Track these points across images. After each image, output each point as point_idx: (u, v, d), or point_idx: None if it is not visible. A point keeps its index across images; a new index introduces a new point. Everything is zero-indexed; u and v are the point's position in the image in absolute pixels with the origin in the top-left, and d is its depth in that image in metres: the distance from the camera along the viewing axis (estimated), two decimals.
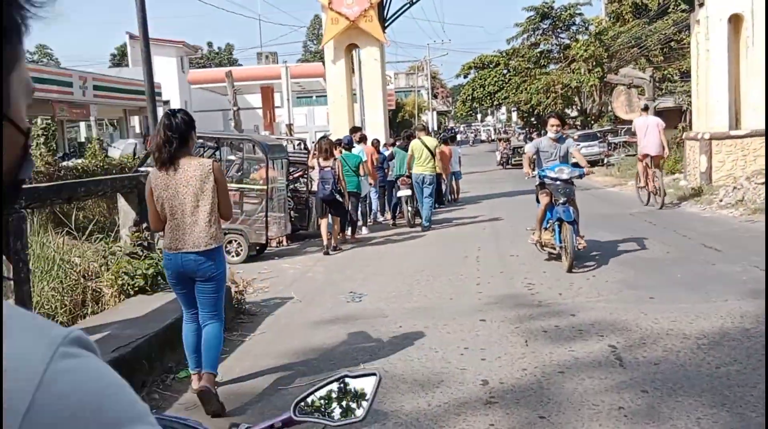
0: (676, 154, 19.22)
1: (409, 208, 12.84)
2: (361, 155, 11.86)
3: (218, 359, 4.51)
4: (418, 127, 13.47)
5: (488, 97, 43.52)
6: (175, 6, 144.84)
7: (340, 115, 17.29)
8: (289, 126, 23.53)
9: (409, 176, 12.45)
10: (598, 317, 5.83)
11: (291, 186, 12.16)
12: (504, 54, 41.85)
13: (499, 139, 40.81)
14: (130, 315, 5.46)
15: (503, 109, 66.97)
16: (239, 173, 10.88)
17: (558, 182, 8.04)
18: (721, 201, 12.62)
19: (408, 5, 18.23)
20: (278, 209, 10.47)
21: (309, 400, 1.39)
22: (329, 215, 10.58)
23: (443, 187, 16.37)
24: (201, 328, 4.56)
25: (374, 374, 1.41)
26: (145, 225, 6.20)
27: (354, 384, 1.41)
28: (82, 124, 32.04)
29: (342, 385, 1.40)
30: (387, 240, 11.66)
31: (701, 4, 14.80)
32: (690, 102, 18.70)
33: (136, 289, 6.15)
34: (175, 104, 39.47)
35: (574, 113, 38.33)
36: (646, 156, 13.16)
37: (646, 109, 14.62)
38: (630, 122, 18.82)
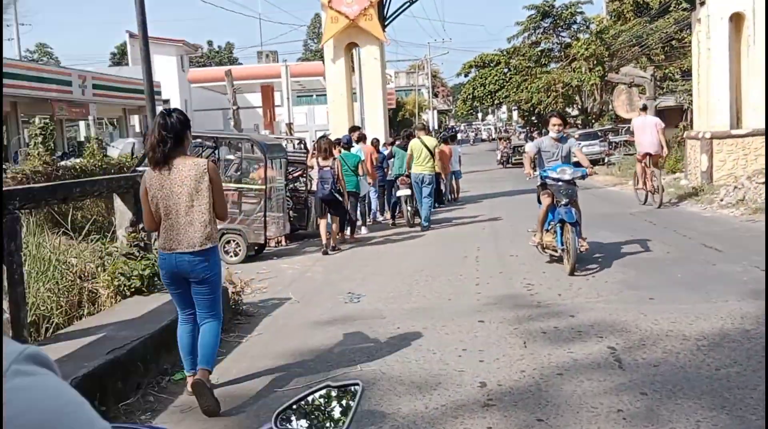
0: (677, 153, 19.19)
1: (409, 208, 12.80)
2: (359, 155, 11.82)
3: (214, 357, 4.49)
4: (417, 127, 13.42)
5: (489, 96, 43.50)
6: (175, 9, 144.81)
7: (339, 114, 17.24)
8: (289, 125, 23.49)
9: (409, 176, 12.41)
10: (598, 318, 5.79)
11: (290, 185, 12.12)
12: (505, 53, 41.84)
13: (500, 138, 40.79)
14: (126, 316, 5.42)
15: (504, 108, 66.89)
16: (238, 173, 10.84)
17: (560, 183, 7.88)
18: (722, 200, 12.57)
19: (408, 4, 18.19)
20: (277, 209, 10.44)
21: (291, 410, 1.35)
22: (328, 215, 10.54)
23: (442, 187, 16.32)
24: (196, 330, 4.54)
25: (357, 384, 1.37)
26: (141, 225, 6.16)
27: (337, 393, 1.37)
28: (82, 124, 32.04)
29: (325, 394, 1.36)
30: (386, 240, 11.62)
31: (702, 3, 14.75)
32: (691, 101, 18.66)
33: (133, 290, 6.11)
34: (175, 103, 39.48)
35: (575, 112, 38.31)
36: (645, 156, 13.13)
37: (644, 108, 14.58)
38: (631, 121, 18.76)
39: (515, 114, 63.49)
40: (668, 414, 3.81)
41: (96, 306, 6.21)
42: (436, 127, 56.79)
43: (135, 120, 36.41)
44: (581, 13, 37.72)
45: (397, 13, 18.15)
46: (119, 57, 60.90)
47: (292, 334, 5.97)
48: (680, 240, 9.48)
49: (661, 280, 7.12)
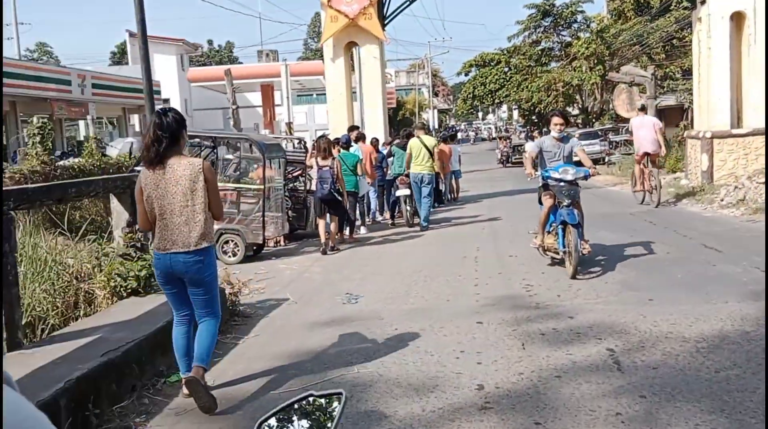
0: (677, 152, 19.15)
1: (408, 208, 12.76)
2: (357, 154, 11.79)
3: (210, 354, 4.47)
4: (417, 126, 13.38)
5: (489, 95, 43.42)
6: (175, 8, 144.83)
7: (339, 113, 17.21)
8: (289, 124, 23.46)
9: (408, 175, 12.37)
10: (597, 319, 5.75)
11: (290, 185, 12.09)
12: (505, 52, 41.77)
13: (500, 138, 40.73)
14: (122, 317, 5.39)
15: (504, 107, 66.79)
16: (237, 173, 10.81)
17: (562, 183, 7.67)
18: (722, 200, 12.53)
19: (407, 3, 18.14)
20: (275, 209, 10.41)
21: (273, 420, 1.31)
22: (327, 215, 10.50)
23: (441, 187, 16.26)
24: (191, 331, 4.53)
25: (340, 393, 1.33)
26: (138, 226, 6.12)
27: (320, 403, 1.33)
28: (82, 123, 32.01)
29: (307, 404, 1.33)
30: (385, 240, 11.58)
31: (703, 2, 14.71)
32: (692, 100, 18.63)
33: (129, 290, 6.07)
34: (175, 102, 39.45)
35: (576, 111, 38.25)
36: (643, 156, 13.18)
37: (643, 108, 14.64)
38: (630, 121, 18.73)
39: (516, 113, 63.42)
40: (667, 417, 3.78)
41: (92, 307, 6.17)
42: (437, 127, 56.74)
43: (135, 119, 36.37)
44: (582, 12, 37.70)
45: (396, 12, 18.13)
46: (119, 56, 60.87)
47: (289, 336, 5.93)
48: (680, 240, 9.44)
49: (660, 280, 7.08)
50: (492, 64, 42.93)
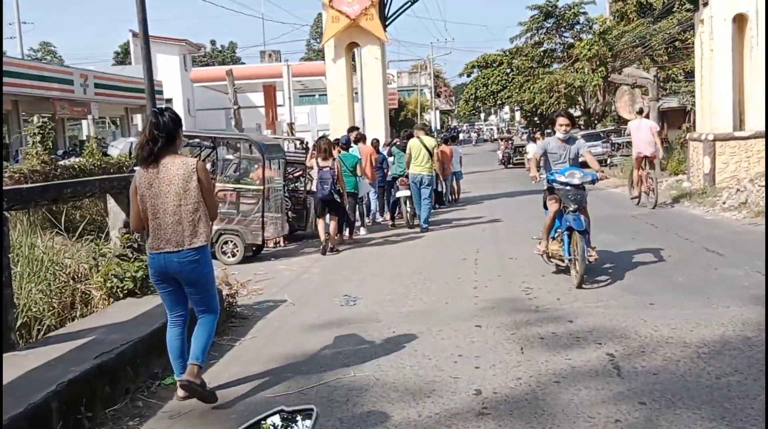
0: (679, 154, 19.08)
1: (408, 209, 12.72)
2: (357, 155, 11.75)
3: (205, 352, 4.45)
4: (417, 126, 13.33)
5: (491, 97, 43.40)
6: (178, 8, 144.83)
7: (340, 114, 17.16)
8: (291, 125, 23.43)
9: (408, 176, 12.33)
10: (597, 324, 5.69)
11: (291, 186, 12.06)
12: (507, 53, 41.70)
13: (501, 139, 40.74)
14: (118, 319, 5.34)
15: (507, 108, 66.74)
16: (236, 173, 10.77)
17: (568, 187, 7.26)
18: (724, 203, 12.47)
19: (409, 4, 18.10)
20: (275, 209, 10.37)
21: None
22: (327, 215, 10.48)
23: (440, 187, 16.18)
24: (185, 333, 4.53)
25: (311, 409, 1.28)
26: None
27: (292, 418, 1.28)
28: (84, 122, 32.02)
29: (279, 419, 1.28)
30: (385, 241, 11.53)
31: (705, 4, 14.64)
32: (694, 102, 18.56)
33: (126, 291, 6.03)
34: (178, 102, 39.46)
35: (578, 113, 38.15)
36: (642, 159, 13.42)
37: (640, 112, 14.81)
38: None
39: (518, 114, 63.36)
40: (667, 425, 3.72)
41: (89, 307, 6.13)
42: (439, 128, 56.70)
43: (137, 119, 36.38)
44: (584, 13, 37.58)
45: (398, 13, 18.08)
46: (122, 56, 60.94)
47: (286, 338, 5.88)
48: (682, 243, 9.37)
49: (661, 284, 7.02)
50: (494, 65, 42.89)
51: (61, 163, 13.80)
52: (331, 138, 12.08)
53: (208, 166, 11.36)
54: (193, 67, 45.38)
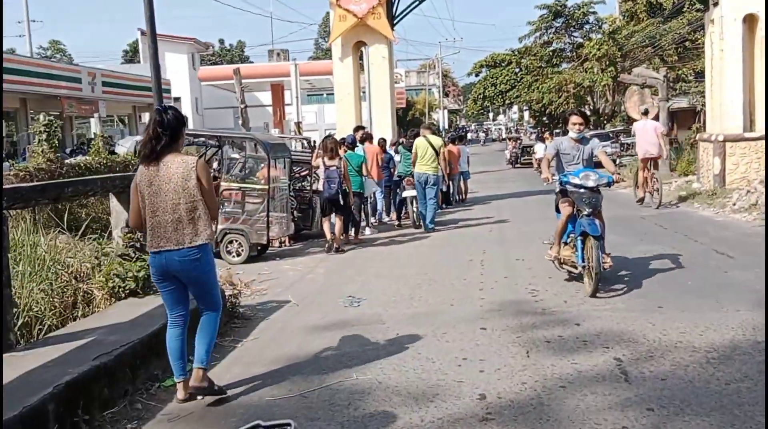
0: (689, 155, 18.93)
1: (414, 209, 12.64)
2: (362, 154, 11.69)
3: (209, 352, 4.45)
4: (424, 126, 13.24)
5: (500, 96, 43.26)
6: (187, 8, 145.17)
7: (347, 113, 17.11)
8: (298, 124, 23.39)
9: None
10: (604, 327, 5.60)
11: (298, 185, 12.01)
12: (516, 52, 41.53)
13: (509, 139, 40.62)
14: (118, 319, 5.29)
15: (515, 108, 66.56)
16: (242, 172, 10.72)
17: (582, 190, 6.90)
18: (734, 205, 12.33)
19: (416, 3, 18.00)
20: (280, 209, 10.31)
21: None
22: (333, 215, 10.43)
23: (444, 187, 16.05)
24: (185, 334, 4.50)
25: (289, 424, 1.22)
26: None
27: None
28: (92, 121, 32.10)
29: None
30: (391, 241, 11.46)
31: (716, 4, 14.50)
32: (704, 103, 18.40)
33: (128, 291, 5.98)
34: (186, 101, 39.53)
35: (587, 113, 37.93)
36: (647, 160, 13.61)
37: (646, 113, 15.02)
38: None
39: (526, 114, 63.16)
40: None
41: (91, 307, 6.09)
42: (447, 127, 56.55)
43: (145, 118, 36.41)
44: (594, 13, 37.34)
45: (405, 12, 18.00)
46: (132, 54, 61.09)
47: (288, 339, 5.81)
48: (691, 245, 9.26)
49: (670, 287, 6.91)
50: (503, 64, 42.76)
51: (68, 161, 13.79)
52: (338, 137, 12.02)
53: (215, 165, 11.33)
54: (202, 66, 45.42)
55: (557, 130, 36.40)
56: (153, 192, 4.21)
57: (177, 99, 36.73)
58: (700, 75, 24.41)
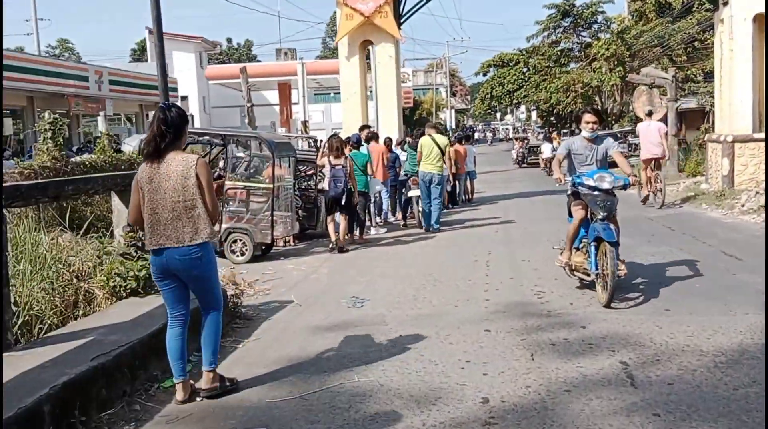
0: (698, 156, 18.78)
1: (420, 209, 12.57)
2: (367, 154, 11.63)
3: (216, 353, 4.46)
4: (429, 125, 13.17)
5: (507, 96, 43.17)
6: (194, 7, 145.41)
7: (353, 112, 17.05)
8: (305, 123, 23.35)
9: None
10: (610, 330, 5.52)
11: (303, 184, 11.96)
12: (524, 52, 41.41)
13: (516, 139, 40.48)
14: (119, 319, 5.24)
15: (523, 107, 66.37)
16: (247, 171, 10.67)
17: (597, 193, 6.52)
18: (743, 206, 12.21)
19: (424, 2, 17.91)
20: (285, 208, 10.25)
21: None
22: (337, 214, 10.39)
23: (449, 187, 15.97)
24: (185, 333, 4.47)
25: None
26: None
27: None
28: (99, 119, 32.17)
29: None
30: (396, 241, 11.39)
31: (725, 3, 14.37)
32: (713, 103, 18.25)
33: (129, 291, 5.93)
34: (193, 100, 39.57)
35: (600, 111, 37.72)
36: (650, 161, 13.67)
37: (650, 114, 15.04)
38: None
39: (534, 114, 62.97)
40: None
41: (92, 306, 6.04)
42: (454, 127, 56.44)
43: (152, 116, 36.50)
44: (602, 12, 37.14)
45: (413, 11, 17.92)
46: (139, 53, 61.22)
47: (290, 340, 5.75)
48: (699, 247, 9.15)
49: (677, 289, 6.82)
50: (510, 64, 42.65)
51: (73, 159, 13.78)
52: (343, 136, 11.96)
53: (220, 163, 11.29)
54: (209, 65, 45.45)
55: (565, 130, 36.26)
56: (153, 189, 4.19)
57: (184, 98, 36.79)
58: (709, 75, 24.23)
